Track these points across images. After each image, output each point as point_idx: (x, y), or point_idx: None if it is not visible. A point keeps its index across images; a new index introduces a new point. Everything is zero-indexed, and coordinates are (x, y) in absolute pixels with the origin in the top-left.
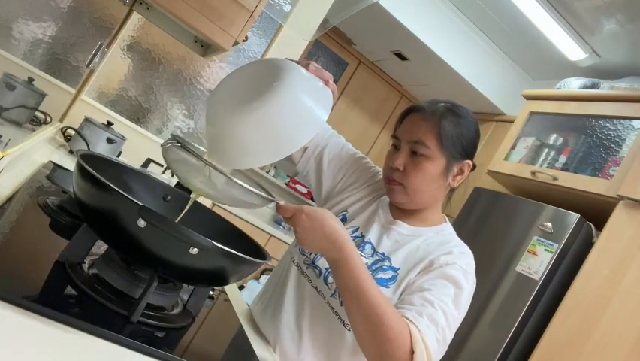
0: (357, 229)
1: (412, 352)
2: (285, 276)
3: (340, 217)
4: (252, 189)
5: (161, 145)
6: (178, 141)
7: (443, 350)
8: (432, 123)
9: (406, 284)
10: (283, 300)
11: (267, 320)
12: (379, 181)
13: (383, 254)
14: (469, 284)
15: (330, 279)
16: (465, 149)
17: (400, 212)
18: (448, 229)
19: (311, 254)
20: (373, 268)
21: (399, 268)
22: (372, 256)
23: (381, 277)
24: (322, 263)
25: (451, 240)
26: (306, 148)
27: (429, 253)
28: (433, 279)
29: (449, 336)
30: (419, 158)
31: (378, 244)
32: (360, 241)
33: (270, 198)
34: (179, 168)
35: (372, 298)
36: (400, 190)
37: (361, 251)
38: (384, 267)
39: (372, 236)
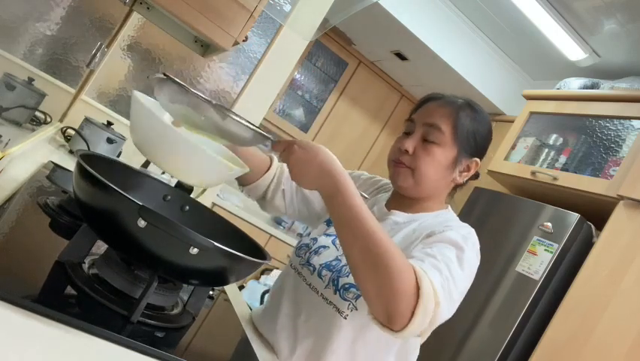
0: None
1: (418, 288)
2: (283, 281)
3: None
4: (248, 124)
5: (154, 77)
6: (171, 79)
7: (452, 308)
8: (450, 111)
9: None
10: (281, 303)
11: (265, 323)
12: (369, 181)
13: None
14: (468, 247)
15: (323, 272)
16: (477, 145)
17: (398, 204)
18: (448, 214)
19: (306, 254)
20: None
21: None
22: None
23: None
24: (316, 260)
25: (450, 220)
26: (283, 190)
27: (426, 229)
28: (433, 243)
29: (455, 293)
30: (430, 144)
31: None
32: None
33: (266, 135)
34: (170, 104)
35: (371, 227)
36: (406, 173)
37: None
38: None
39: None
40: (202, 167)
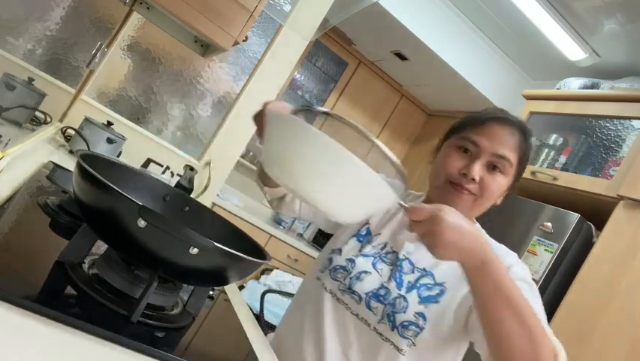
0: (385, 245)
1: (555, 356)
2: (319, 305)
3: (364, 232)
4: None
5: (295, 111)
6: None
7: None
8: (519, 142)
9: (461, 298)
10: (323, 331)
11: (308, 352)
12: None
13: (424, 270)
14: (530, 278)
15: (372, 303)
16: (523, 172)
17: None
18: (481, 232)
19: (345, 279)
20: (417, 285)
21: (444, 282)
22: (412, 272)
23: (429, 295)
24: (360, 288)
25: (489, 241)
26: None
27: None
28: None
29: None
30: (497, 173)
31: (417, 259)
32: (394, 257)
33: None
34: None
35: (520, 298)
36: (469, 200)
37: (399, 269)
38: (429, 284)
39: (406, 251)
40: (372, 197)
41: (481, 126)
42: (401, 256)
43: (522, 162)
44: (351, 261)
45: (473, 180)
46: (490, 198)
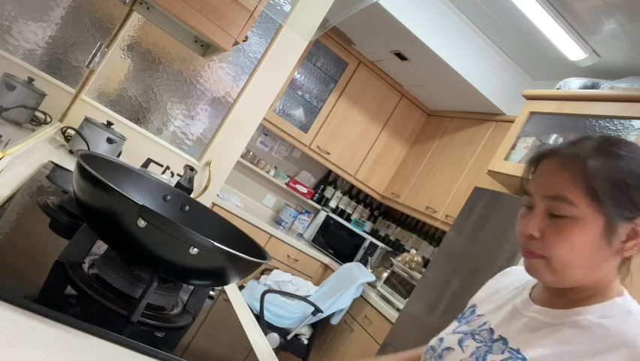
0: (485, 323)
1: None
2: None
3: (468, 312)
4: None
5: None
6: None
7: None
8: (576, 170)
9: None
10: None
11: None
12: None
13: (517, 351)
14: None
15: None
16: (633, 199)
17: (547, 294)
18: (621, 307)
19: (431, 359)
20: None
21: None
22: (501, 353)
23: None
24: None
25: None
26: None
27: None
28: None
29: None
30: (561, 220)
31: (512, 338)
32: (488, 334)
33: None
34: None
35: None
36: (541, 266)
37: (488, 349)
38: None
39: (504, 332)
40: None
41: (534, 172)
42: (496, 336)
43: (596, 193)
44: (441, 339)
45: (532, 236)
46: (563, 254)
